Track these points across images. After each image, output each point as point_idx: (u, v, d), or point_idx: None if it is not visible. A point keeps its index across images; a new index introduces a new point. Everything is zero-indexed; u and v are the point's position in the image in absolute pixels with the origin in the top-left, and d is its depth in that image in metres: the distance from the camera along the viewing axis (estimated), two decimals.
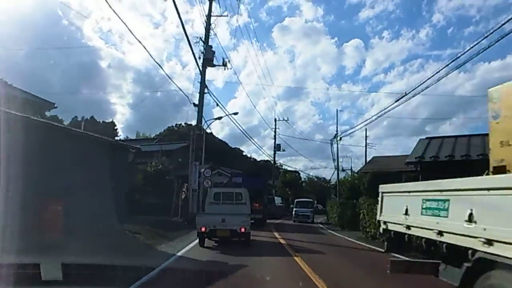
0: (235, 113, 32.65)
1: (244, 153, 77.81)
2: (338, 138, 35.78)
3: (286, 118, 50.17)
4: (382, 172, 29.25)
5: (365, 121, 34.80)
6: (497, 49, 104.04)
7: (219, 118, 25.45)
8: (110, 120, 74.96)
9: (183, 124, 71.19)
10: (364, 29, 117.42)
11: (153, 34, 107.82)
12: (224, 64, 23.81)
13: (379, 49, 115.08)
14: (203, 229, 12.88)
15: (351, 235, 20.91)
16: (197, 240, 13.93)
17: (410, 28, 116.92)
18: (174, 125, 75.22)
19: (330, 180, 74.78)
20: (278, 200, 43.06)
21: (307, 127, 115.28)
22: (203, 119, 23.42)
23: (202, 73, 23.19)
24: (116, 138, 58.56)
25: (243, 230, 12.88)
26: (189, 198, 22.90)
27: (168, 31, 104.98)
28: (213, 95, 25.12)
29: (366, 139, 47.60)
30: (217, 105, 24.83)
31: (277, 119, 49.32)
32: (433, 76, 15.22)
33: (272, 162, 54.53)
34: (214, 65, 23.75)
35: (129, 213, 22.11)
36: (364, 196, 26.87)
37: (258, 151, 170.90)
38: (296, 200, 37.56)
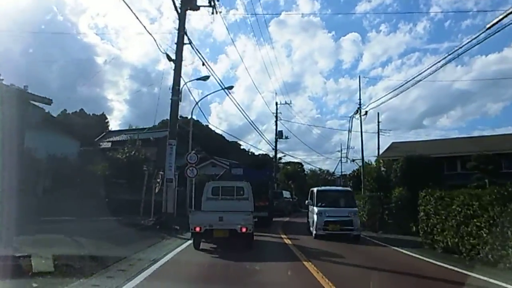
0: (230, 87, 25.89)
1: (242, 147, 71.02)
2: (363, 113, 26.84)
3: (289, 102, 42.49)
4: (418, 158, 22.28)
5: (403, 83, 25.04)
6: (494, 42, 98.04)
7: (205, 78, 18.13)
8: (101, 112, 68.80)
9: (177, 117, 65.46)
10: (361, 22, 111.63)
11: (150, 29, 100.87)
12: (212, 5, 16.62)
13: (376, 43, 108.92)
14: (197, 229, 10.99)
15: (395, 242, 13.92)
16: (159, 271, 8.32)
17: (408, 21, 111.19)
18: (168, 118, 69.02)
19: (334, 172, 68.04)
20: (286, 194, 36.23)
21: (305, 122, 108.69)
22: (181, 80, 16.27)
23: (181, 17, 16.03)
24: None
25: (244, 230, 10.87)
26: (164, 192, 15.80)
27: (164, 26, 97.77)
28: (197, 49, 17.58)
29: (378, 125, 40.19)
30: (203, 64, 17.25)
31: (279, 103, 41.82)
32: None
33: (271, 154, 47.27)
34: (197, 7, 16.56)
35: (87, 212, 15.99)
36: (400, 187, 19.96)
37: (256, 145, 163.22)
38: (317, 190, 17.07)
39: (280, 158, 43.62)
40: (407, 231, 17.19)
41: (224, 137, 70.43)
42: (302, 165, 57.73)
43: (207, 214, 11.77)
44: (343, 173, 70.58)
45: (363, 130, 27.63)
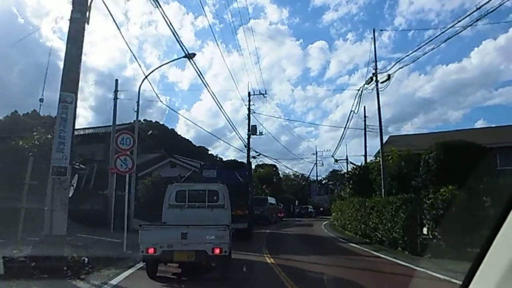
0: (193, 54, 18.58)
1: (210, 152, 63.15)
2: (385, 77, 17.52)
3: (263, 92, 34.60)
4: (459, 144, 15.29)
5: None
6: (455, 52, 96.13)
7: None
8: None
9: (142, 120, 58.01)
10: (329, 31, 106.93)
11: (116, 35, 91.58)
12: None
13: (343, 51, 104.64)
14: (150, 250, 7.74)
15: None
16: None
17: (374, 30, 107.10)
18: (132, 121, 60.76)
19: (309, 176, 61.12)
20: (271, 200, 30.38)
21: (273, 128, 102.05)
22: None
23: None
24: None
25: (217, 251, 7.60)
26: (48, 194, 7.77)
27: (132, 32, 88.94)
28: None
29: (365, 122, 33.34)
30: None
31: (252, 93, 33.89)
32: None
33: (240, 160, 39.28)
34: None
35: None
36: (449, 186, 12.76)
37: (224, 153, 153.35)
38: None
39: (254, 157, 35.77)
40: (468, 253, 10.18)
41: (191, 142, 62.89)
42: (277, 168, 50.22)
43: (165, 230, 8.67)
44: (318, 177, 64.18)
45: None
